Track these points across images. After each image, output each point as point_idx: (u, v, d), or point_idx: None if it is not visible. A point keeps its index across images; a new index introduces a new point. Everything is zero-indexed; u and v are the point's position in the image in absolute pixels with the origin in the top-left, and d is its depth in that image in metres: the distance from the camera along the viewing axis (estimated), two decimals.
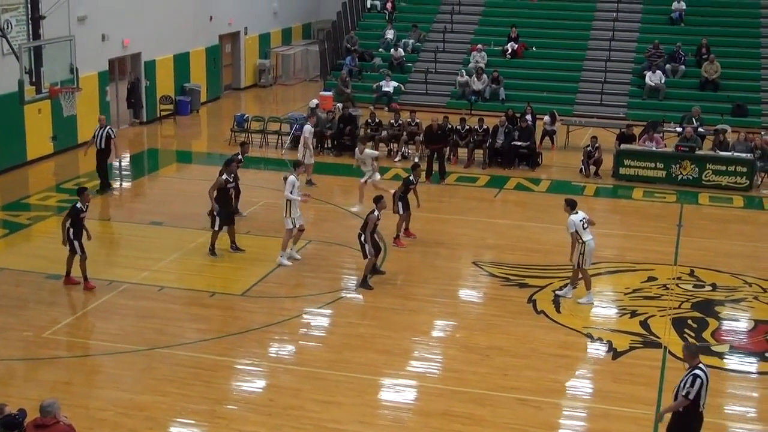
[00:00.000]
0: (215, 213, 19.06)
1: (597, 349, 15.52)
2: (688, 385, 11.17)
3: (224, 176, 19.37)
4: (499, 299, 17.51)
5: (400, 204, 20.10)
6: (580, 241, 16.95)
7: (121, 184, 25.27)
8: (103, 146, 23.50)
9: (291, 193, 18.53)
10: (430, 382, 14.28)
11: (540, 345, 15.54)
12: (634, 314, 16.78)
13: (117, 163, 26.26)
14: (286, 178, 18.84)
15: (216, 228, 19.11)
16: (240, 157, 21.37)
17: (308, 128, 24.53)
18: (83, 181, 24.78)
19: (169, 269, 18.59)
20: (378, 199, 18.22)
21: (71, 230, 17.17)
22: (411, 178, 20.34)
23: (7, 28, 23.60)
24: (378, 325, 16.19)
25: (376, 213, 17.95)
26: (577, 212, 17.12)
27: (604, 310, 17.25)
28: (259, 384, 14.33)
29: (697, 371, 11.23)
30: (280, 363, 14.91)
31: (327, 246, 20.04)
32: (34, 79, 20.82)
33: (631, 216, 23.32)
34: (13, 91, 21.28)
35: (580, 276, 17.31)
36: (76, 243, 17.22)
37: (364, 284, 17.80)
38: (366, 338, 15.59)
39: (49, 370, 14.45)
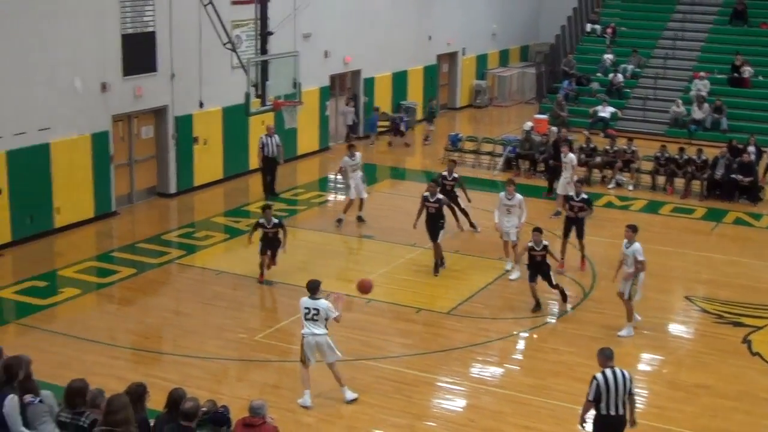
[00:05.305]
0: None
1: None
2: (589, 388, 11.18)
3: None
4: (711, 336, 16.88)
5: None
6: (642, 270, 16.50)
7: (335, 197, 25.96)
8: (274, 154, 24.54)
9: None
10: None
11: (753, 388, 14.83)
12: None
13: (332, 176, 26.96)
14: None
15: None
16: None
17: (572, 157, 23.71)
18: (299, 191, 25.69)
19: (378, 283, 18.86)
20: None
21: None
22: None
23: (238, 43, 24.71)
24: (582, 353, 15.84)
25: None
26: None
27: None
28: (460, 403, 14.37)
29: (598, 374, 11.15)
30: (481, 384, 14.90)
31: None
32: (259, 92, 21.68)
33: None
34: (240, 103, 22.27)
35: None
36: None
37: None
38: (570, 366, 15.35)
39: (259, 372, 14.99)
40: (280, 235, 18.39)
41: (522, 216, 19.42)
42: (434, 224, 19.42)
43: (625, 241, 16.57)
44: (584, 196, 19.66)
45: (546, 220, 22.16)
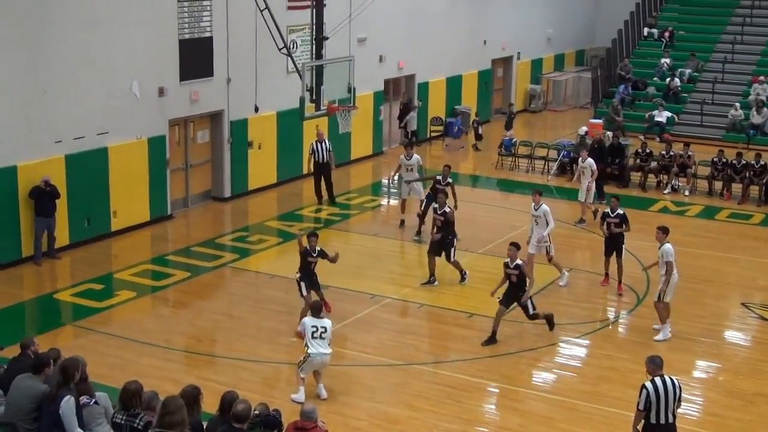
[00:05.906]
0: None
1: None
2: (638, 397, 11.02)
3: None
4: None
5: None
6: (674, 272, 16.19)
7: (388, 201, 25.99)
8: (325, 160, 24.54)
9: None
10: (687, 424, 13.69)
11: None
12: None
13: (386, 181, 27.01)
14: None
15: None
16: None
17: (590, 162, 23.27)
18: (352, 196, 25.76)
19: (430, 287, 18.91)
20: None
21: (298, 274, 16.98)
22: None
23: (293, 48, 24.86)
24: (636, 360, 15.58)
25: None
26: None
27: None
28: (511, 408, 14.30)
29: (647, 382, 11.01)
30: (532, 389, 14.84)
31: (586, 275, 19.75)
32: (314, 97, 21.78)
33: None
34: (295, 107, 22.39)
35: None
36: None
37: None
38: (623, 372, 15.21)
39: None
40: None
41: (546, 227, 18.77)
42: (442, 238, 18.86)
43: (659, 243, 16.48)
44: (620, 212, 18.70)
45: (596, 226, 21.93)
